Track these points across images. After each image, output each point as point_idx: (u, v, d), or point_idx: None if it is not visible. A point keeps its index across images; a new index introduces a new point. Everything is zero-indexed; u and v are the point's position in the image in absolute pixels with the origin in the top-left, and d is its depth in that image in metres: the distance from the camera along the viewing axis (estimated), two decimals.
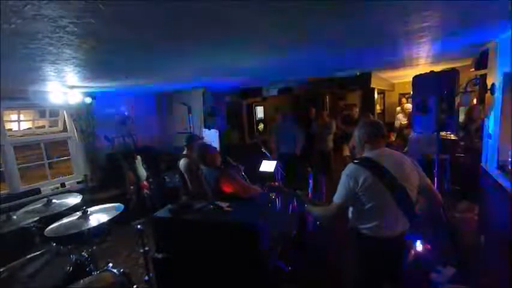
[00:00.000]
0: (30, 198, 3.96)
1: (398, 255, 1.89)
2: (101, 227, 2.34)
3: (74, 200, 2.80)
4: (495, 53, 2.93)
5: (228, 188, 2.66)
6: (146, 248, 2.45)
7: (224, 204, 2.47)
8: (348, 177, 1.80)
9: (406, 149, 4.78)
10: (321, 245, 3.50)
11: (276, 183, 3.08)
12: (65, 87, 3.59)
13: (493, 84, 2.89)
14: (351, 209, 1.91)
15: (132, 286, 2.42)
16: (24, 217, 2.60)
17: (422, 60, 4.20)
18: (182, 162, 3.43)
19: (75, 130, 4.86)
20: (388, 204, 1.75)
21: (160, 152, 5.93)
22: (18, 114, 5.11)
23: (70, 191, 3.97)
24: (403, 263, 1.94)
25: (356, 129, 1.99)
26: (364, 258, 1.91)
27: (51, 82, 3.11)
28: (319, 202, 2.32)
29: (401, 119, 7.81)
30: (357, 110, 6.29)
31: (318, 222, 3.58)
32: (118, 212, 2.49)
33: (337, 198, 1.85)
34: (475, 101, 4.64)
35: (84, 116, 4.77)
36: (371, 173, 1.74)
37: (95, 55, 2.04)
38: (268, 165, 3.83)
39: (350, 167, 1.84)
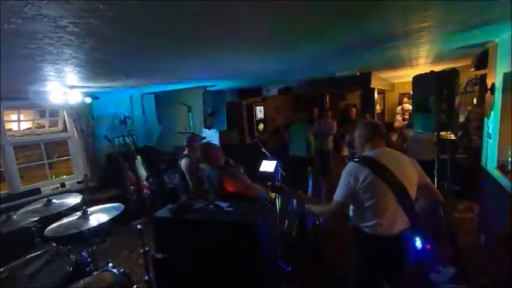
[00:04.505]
0: (30, 198, 3.95)
1: (399, 253, 1.88)
2: (100, 227, 2.34)
3: (74, 200, 2.80)
4: (495, 53, 2.93)
5: (231, 187, 2.65)
6: (146, 248, 2.45)
7: (224, 204, 2.46)
8: (348, 175, 1.81)
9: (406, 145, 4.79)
10: (321, 245, 3.50)
11: (278, 183, 3.08)
12: (65, 87, 3.58)
13: (493, 84, 2.89)
14: (351, 207, 1.91)
15: (132, 286, 2.43)
16: (24, 217, 2.60)
17: (422, 60, 4.20)
18: (183, 162, 3.43)
19: (75, 130, 4.85)
20: (388, 202, 1.76)
21: (160, 152, 5.94)
22: (18, 114, 5.12)
23: (70, 191, 3.98)
24: (404, 262, 1.94)
25: (356, 129, 2.00)
26: (365, 256, 1.91)
27: (51, 82, 3.11)
28: (320, 202, 2.32)
29: (400, 120, 7.82)
30: (354, 110, 6.30)
31: (317, 222, 3.59)
32: (118, 212, 2.49)
33: (337, 196, 1.86)
34: (475, 100, 4.65)
35: (84, 116, 4.77)
36: (371, 171, 1.75)
37: (95, 55, 2.04)
38: (268, 165, 3.83)
39: (350, 166, 1.85)
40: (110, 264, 2.46)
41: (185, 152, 3.56)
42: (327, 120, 5.60)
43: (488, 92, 2.99)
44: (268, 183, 3.00)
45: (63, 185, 4.72)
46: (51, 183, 4.75)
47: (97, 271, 2.39)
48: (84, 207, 2.46)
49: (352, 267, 2.02)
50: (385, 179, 1.74)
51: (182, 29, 1.64)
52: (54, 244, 2.67)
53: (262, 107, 7.62)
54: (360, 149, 1.98)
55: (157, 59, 2.50)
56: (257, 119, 7.41)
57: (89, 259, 2.53)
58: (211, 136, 5.37)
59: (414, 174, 1.85)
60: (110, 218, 2.39)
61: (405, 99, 8.23)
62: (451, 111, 2.78)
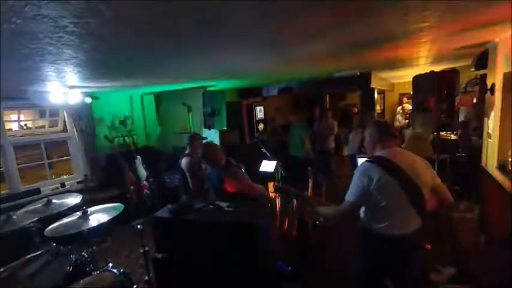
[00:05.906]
0: (30, 198, 3.95)
1: (409, 253, 1.86)
2: (101, 227, 2.34)
3: (74, 200, 2.80)
4: (495, 53, 2.93)
5: (232, 187, 2.65)
6: (146, 248, 2.45)
7: (224, 204, 2.46)
8: (361, 175, 1.78)
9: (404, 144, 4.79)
10: (321, 245, 3.50)
11: (282, 184, 3.08)
12: (65, 87, 3.58)
13: (493, 84, 2.89)
14: (362, 208, 1.90)
15: (132, 286, 2.43)
16: (24, 217, 2.60)
17: (422, 60, 4.20)
18: (184, 161, 3.43)
19: (75, 130, 4.85)
20: (402, 202, 1.74)
21: (160, 152, 5.94)
22: (18, 114, 5.11)
23: (70, 191, 3.98)
24: (412, 262, 1.92)
25: (367, 129, 2.00)
26: (374, 256, 1.88)
27: (51, 82, 3.11)
28: (327, 203, 2.27)
29: (400, 120, 7.83)
30: (356, 110, 6.31)
31: (317, 222, 3.59)
32: (118, 212, 2.49)
33: (349, 196, 1.83)
34: (474, 100, 4.65)
35: (84, 116, 4.77)
36: (385, 171, 1.73)
37: (95, 55, 2.04)
38: (268, 165, 3.83)
39: (363, 165, 1.83)
40: (110, 264, 2.46)
41: (186, 152, 3.55)
42: (328, 121, 5.60)
43: (488, 92, 3.00)
44: (274, 184, 3.00)
45: (63, 185, 4.72)
46: (51, 183, 4.75)
47: (97, 271, 2.39)
48: (84, 207, 2.46)
49: (358, 267, 2.00)
50: (399, 179, 1.72)
51: (182, 29, 1.64)
52: (54, 244, 2.66)
53: (262, 107, 7.61)
54: (370, 149, 1.95)
55: (157, 59, 2.49)
56: (257, 119, 7.41)
57: (89, 259, 2.53)
58: (211, 136, 5.38)
59: (428, 175, 1.82)
60: (110, 218, 2.39)
61: (405, 99, 8.25)
62: (451, 111, 2.78)
